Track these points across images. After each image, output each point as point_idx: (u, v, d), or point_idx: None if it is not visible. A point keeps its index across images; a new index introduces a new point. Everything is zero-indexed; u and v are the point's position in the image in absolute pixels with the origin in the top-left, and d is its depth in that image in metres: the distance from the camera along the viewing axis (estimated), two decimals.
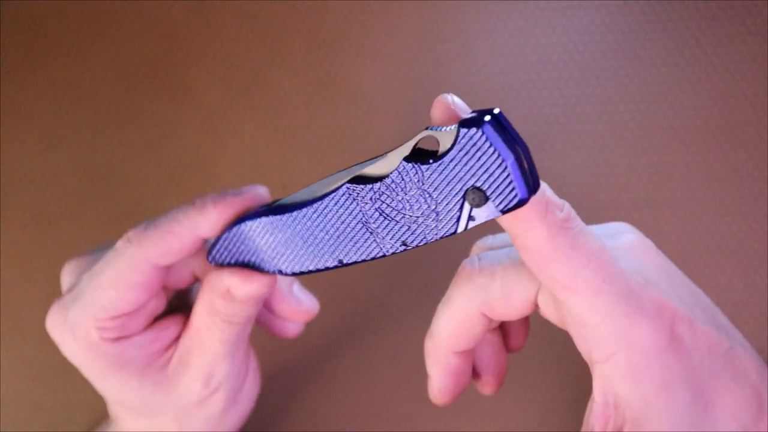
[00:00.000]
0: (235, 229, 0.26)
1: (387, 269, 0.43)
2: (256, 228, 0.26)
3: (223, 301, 0.26)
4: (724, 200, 0.42)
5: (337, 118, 0.44)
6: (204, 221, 0.26)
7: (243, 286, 0.26)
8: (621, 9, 0.43)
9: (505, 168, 0.20)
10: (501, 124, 0.20)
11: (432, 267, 0.43)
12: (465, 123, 0.20)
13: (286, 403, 0.44)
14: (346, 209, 0.23)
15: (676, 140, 0.42)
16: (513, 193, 0.20)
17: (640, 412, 0.21)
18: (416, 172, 0.21)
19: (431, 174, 0.21)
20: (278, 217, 0.25)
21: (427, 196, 0.22)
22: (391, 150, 0.22)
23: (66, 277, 0.29)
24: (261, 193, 0.28)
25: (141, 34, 0.45)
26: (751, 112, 0.42)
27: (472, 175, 0.20)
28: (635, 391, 0.21)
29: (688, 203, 0.42)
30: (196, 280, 0.30)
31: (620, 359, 0.21)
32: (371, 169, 0.23)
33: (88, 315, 0.26)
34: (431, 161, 0.21)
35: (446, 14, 0.43)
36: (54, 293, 0.45)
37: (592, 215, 0.43)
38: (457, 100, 0.22)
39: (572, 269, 0.21)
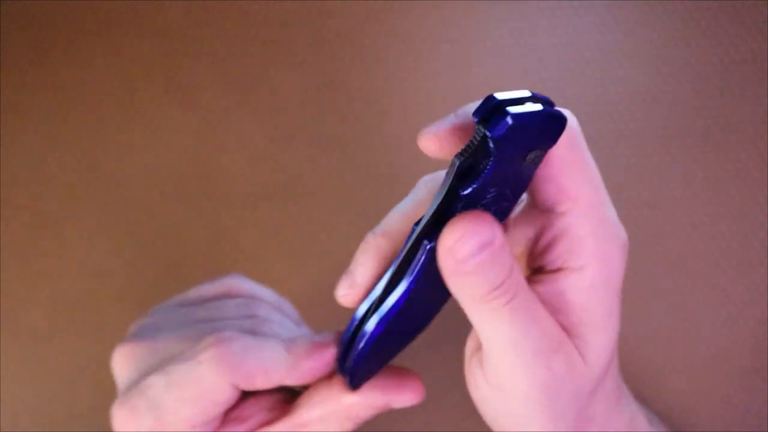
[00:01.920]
0: (365, 350, 0.25)
1: None
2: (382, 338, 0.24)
3: (372, 413, 0.27)
4: (724, 200, 0.42)
5: (337, 118, 0.44)
6: (294, 375, 0.26)
7: (405, 399, 0.26)
8: (621, 9, 0.43)
9: (543, 117, 0.20)
10: (516, 103, 0.20)
11: None
12: (485, 123, 0.20)
13: None
14: (435, 267, 0.23)
15: (676, 140, 0.42)
16: (558, 128, 0.20)
17: (583, 326, 0.23)
18: (472, 196, 0.21)
19: (483, 185, 0.21)
20: (391, 315, 0.24)
21: (495, 191, 0.22)
22: (435, 199, 0.21)
23: (123, 368, 0.27)
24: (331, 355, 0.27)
25: (141, 34, 0.45)
26: (751, 112, 0.42)
27: (524, 148, 0.20)
28: (591, 302, 0.23)
29: (688, 203, 0.42)
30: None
31: (593, 272, 0.23)
32: (429, 225, 0.22)
33: (166, 423, 0.25)
34: (475, 180, 0.21)
35: (446, 14, 0.43)
36: (54, 293, 0.45)
37: None
38: (438, 126, 0.22)
39: (580, 180, 0.23)
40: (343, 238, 0.44)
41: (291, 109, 0.44)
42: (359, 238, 0.43)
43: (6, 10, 0.45)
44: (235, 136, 0.44)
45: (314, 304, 0.44)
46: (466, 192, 0.21)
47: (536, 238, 0.24)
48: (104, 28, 0.45)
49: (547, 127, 0.20)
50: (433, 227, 0.22)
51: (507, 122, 0.19)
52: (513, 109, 0.20)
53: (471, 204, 0.21)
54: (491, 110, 0.20)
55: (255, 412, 0.27)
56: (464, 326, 0.43)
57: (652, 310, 0.42)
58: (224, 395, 0.25)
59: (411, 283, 0.23)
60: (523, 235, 0.25)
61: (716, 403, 0.42)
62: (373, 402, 0.26)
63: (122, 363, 0.27)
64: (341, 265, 0.43)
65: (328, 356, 0.26)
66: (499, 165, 0.20)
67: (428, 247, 0.22)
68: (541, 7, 0.43)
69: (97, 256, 0.45)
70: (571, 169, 0.23)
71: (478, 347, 0.25)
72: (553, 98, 0.43)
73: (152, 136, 0.45)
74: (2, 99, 0.45)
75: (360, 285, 0.25)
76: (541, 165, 0.23)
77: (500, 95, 0.21)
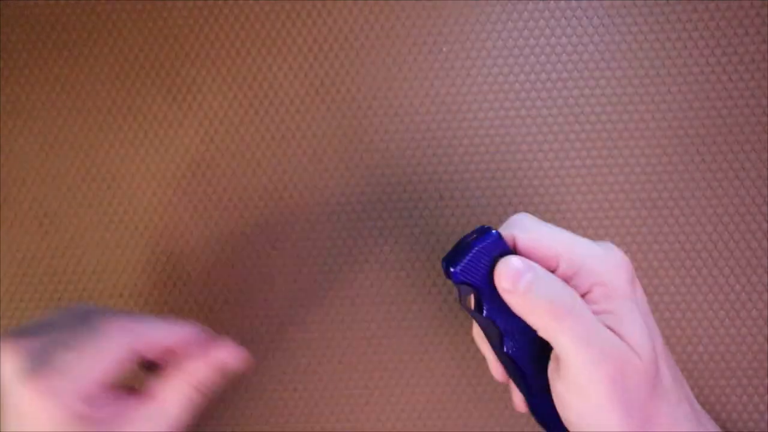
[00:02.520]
0: None
1: (389, 270, 0.43)
2: None
3: (214, 375, 0.34)
4: (723, 200, 0.42)
5: (337, 118, 0.44)
6: (170, 336, 0.34)
7: (239, 361, 0.34)
8: (621, 9, 0.43)
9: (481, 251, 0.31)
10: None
11: (432, 269, 0.43)
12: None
13: (287, 403, 0.44)
14: None
15: (676, 140, 0.42)
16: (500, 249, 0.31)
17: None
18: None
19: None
20: None
21: None
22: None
23: (9, 361, 0.31)
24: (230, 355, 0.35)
25: (141, 34, 0.45)
26: (751, 112, 0.42)
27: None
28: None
29: (687, 203, 0.42)
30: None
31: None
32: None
33: (79, 385, 0.31)
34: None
35: (446, 14, 0.43)
36: (54, 293, 0.45)
37: (592, 215, 0.43)
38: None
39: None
40: (343, 238, 0.44)
41: (291, 109, 0.44)
42: (359, 237, 0.43)
43: (6, 10, 0.45)
44: (235, 136, 0.44)
45: (314, 304, 0.44)
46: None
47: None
48: (104, 28, 0.45)
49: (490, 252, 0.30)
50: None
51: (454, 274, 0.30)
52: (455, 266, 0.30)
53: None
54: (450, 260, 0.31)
55: (119, 400, 0.33)
56: (469, 327, 0.43)
57: (653, 310, 0.42)
58: (127, 354, 0.32)
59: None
60: None
61: (716, 403, 0.42)
62: (206, 360, 0.33)
63: (9, 356, 0.31)
64: (341, 265, 0.43)
65: (187, 329, 0.34)
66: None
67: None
68: (541, 8, 0.43)
69: (97, 255, 0.45)
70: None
71: (556, 364, 0.30)
72: (552, 99, 0.43)
73: (152, 136, 0.45)
74: (2, 99, 0.45)
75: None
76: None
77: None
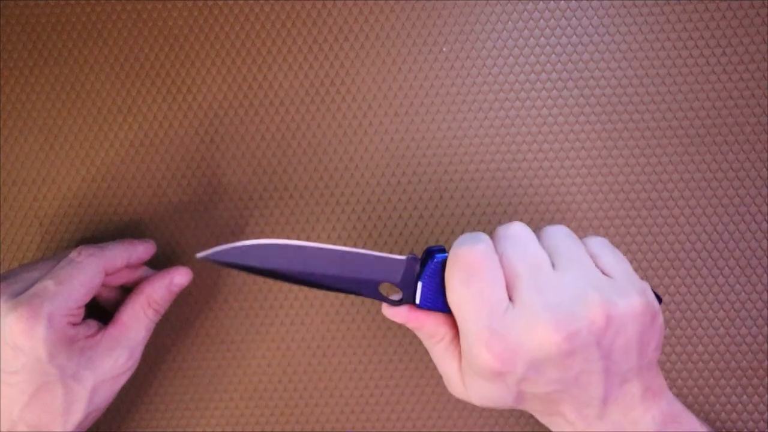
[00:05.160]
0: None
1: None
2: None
3: (165, 293, 0.39)
4: (723, 200, 0.42)
5: (337, 118, 0.44)
6: (134, 256, 0.40)
7: (186, 277, 0.40)
8: (621, 9, 0.43)
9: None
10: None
11: None
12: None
13: (287, 403, 0.44)
14: None
15: (676, 140, 0.42)
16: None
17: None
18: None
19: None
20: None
21: None
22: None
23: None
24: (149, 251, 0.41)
25: (141, 34, 0.45)
26: (751, 112, 0.42)
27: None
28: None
29: (687, 203, 0.42)
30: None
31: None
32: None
33: (64, 306, 0.35)
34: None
35: (446, 14, 0.43)
36: None
37: (592, 215, 0.43)
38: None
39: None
40: (343, 238, 0.44)
41: (290, 109, 0.44)
42: (358, 237, 0.43)
43: (6, 10, 0.45)
44: (235, 136, 0.44)
45: (314, 303, 0.44)
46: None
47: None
48: (104, 28, 0.45)
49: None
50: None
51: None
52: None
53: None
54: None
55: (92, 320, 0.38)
56: None
57: None
58: (100, 277, 0.37)
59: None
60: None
61: (716, 403, 0.42)
62: (162, 281, 0.39)
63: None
64: None
65: (147, 246, 0.41)
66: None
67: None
68: (541, 9, 0.43)
69: None
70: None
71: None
72: (552, 99, 0.43)
73: (152, 136, 0.45)
74: (2, 99, 0.45)
75: None
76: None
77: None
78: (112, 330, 0.38)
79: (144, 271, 0.41)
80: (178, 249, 0.44)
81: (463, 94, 0.43)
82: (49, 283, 0.35)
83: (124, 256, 0.39)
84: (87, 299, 0.36)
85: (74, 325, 0.36)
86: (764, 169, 0.42)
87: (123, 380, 0.38)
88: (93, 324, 0.38)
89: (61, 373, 0.35)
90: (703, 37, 0.42)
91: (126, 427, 0.44)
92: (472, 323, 0.29)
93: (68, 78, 0.45)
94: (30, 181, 0.45)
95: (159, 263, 0.44)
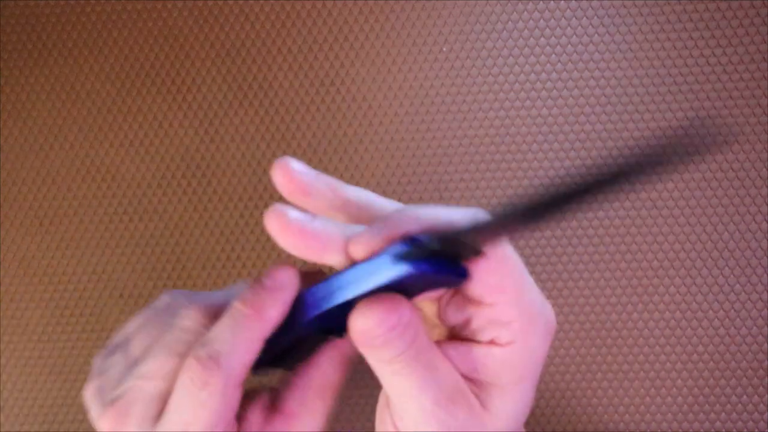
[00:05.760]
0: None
1: None
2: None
3: (341, 369, 0.28)
4: (723, 200, 0.42)
5: (337, 118, 0.44)
6: (268, 326, 0.26)
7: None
8: (621, 9, 0.43)
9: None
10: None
11: None
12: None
13: None
14: None
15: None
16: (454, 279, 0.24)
17: (492, 387, 0.25)
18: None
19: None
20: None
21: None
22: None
23: (88, 395, 0.27)
24: (293, 277, 0.27)
25: (140, 34, 0.45)
26: (751, 112, 0.42)
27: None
28: (504, 371, 0.25)
29: (687, 203, 0.42)
30: None
31: (513, 348, 0.25)
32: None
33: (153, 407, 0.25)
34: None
35: (446, 14, 0.43)
36: (54, 293, 0.45)
37: (592, 215, 0.43)
38: (295, 167, 0.25)
39: (506, 276, 0.24)
40: None
41: (291, 109, 0.44)
42: None
43: (6, 10, 0.45)
44: (235, 136, 0.44)
45: None
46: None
47: (465, 323, 0.26)
48: (104, 29, 0.45)
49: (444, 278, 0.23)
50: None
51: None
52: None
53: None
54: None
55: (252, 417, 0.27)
56: None
57: (652, 310, 0.42)
58: (233, 399, 0.25)
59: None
60: (453, 319, 0.26)
61: (716, 403, 0.42)
62: (331, 359, 0.28)
63: (87, 398, 0.27)
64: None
65: (285, 296, 0.26)
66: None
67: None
68: (541, 9, 0.43)
69: (97, 255, 0.45)
70: (497, 272, 0.24)
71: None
72: (552, 99, 0.43)
73: (152, 136, 0.45)
74: (2, 99, 0.45)
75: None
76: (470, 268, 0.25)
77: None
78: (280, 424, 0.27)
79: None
80: (177, 249, 0.44)
81: (463, 94, 0.43)
82: (177, 429, 0.25)
83: (253, 344, 0.25)
84: (229, 426, 0.26)
85: None
86: (764, 169, 0.42)
87: None
88: (256, 413, 0.27)
89: None
90: (703, 37, 0.42)
91: None
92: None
93: (68, 78, 0.45)
94: (30, 181, 0.45)
95: (159, 263, 0.44)
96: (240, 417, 0.27)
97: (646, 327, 0.42)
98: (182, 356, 0.26)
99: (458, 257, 0.24)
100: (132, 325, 0.28)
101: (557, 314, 0.42)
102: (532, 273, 0.43)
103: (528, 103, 0.43)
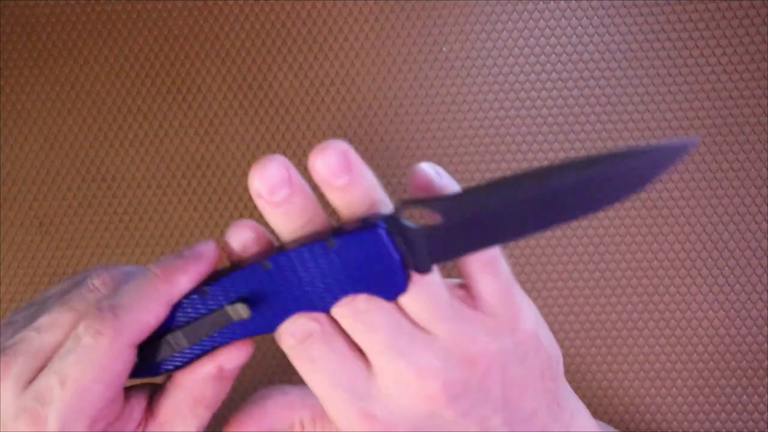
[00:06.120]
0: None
1: None
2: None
3: (213, 383, 0.27)
4: (723, 200, 0.42)
5: (337, 118, 0.44)
6: (176, 291, 0.26)
7: (240, 355, 0.27)
8: (621, 9, 0.43)
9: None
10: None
11: None
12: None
13: None
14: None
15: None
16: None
17: None
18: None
19: None
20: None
21: None
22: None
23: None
24: (212, 250, 0.27)
25: (141, 34, 0.45)
26: (751, 112, 0.42)
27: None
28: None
29: (687, 203, 0.42)
30: None
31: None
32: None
33: (80, 417, 0.24)
34: None
35: (446, 14, 0.43)
36: None
37: (592, 215, 0.43)
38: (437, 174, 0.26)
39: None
40: None
41: (291, 109, 0.44)
42: None
43: (6, 10, 0.45)
44: (235, 136, 0.44)
45: None
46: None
47: None
48: (104, 28, 0.45)
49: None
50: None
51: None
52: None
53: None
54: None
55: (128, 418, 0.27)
56: None
57: (652, 310, 0.42)
58: (124, 361, 0.25)
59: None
60: None
61: (716, 403, 0.42)
62: (203, 369, 0.26)
63: None
64: None
65: (202, 263, 0.26)
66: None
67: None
68: (541, 9, 0.43)
69: (97, 255, 0.45)
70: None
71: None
72: (552, 99, 0.43)
73: (152, 136, 0.45)
74: (2, 99, 0.45)
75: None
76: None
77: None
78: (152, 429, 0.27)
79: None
80: (177, 249, 0.44)
81: (463, 94, 0.43)
82: (53, 382, 0.24)
83: (157, 305, 0.25)
84: (113, 392, 0.25)
85: (111, 424, 0.26)
86: (764, 169, 0.42)
87: None
88: (137, 410, 0.27)
89: None
90: (703, 37, 0.42)
91: None
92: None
93: (68, 78, 0.45)
94: (30, 181, 0.45)
95: None
96: (127, 399, 0.27)
97: (646, 327, 0.42)
98: (81, 312, 0.25)
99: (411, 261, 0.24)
100: (53, 289, 0.28)
101: (557, 314, 0.42)
102: (532, 273, 0.43)
103: (528, 103, 0.43)
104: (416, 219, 0.25)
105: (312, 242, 0.24)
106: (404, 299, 0.25)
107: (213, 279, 0.25)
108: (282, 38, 0.44)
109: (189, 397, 0.27)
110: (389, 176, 0.43)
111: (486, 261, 0.26)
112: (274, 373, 0.44)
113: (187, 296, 0.25)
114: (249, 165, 0.44)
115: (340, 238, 0.24)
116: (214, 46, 0.44)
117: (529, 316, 0.28)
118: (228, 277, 0.25)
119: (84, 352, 0.24)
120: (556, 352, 0.30)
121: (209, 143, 0.44)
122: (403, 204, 0.24)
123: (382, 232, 0.23)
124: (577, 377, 0.42)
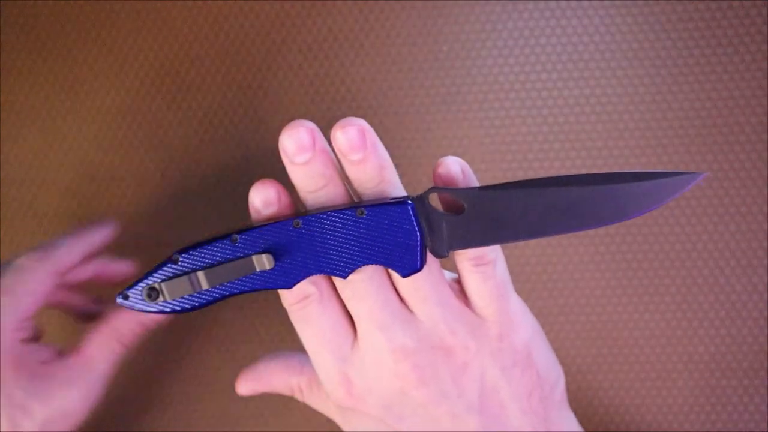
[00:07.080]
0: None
1: None
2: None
3: (137, 328, 0.34)
4: (723, 200, 0.42)
5: (337, 118, 0.44)
6: (85, 246, 0.36)
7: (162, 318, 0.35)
8: (621, 9, 0.43)
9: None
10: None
11: None
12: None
13: (286, 404, 0.44)
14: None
15: (677, 140, 0.42)
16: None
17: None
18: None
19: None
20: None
21: None
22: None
23: None
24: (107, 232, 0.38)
25: (141, 34, 0.45)
26: (751, 112, 0.42)
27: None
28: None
29: (688, 203, 0.42)
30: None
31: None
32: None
33: (10, 319, 0.31)
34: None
35: (446, 14, 0.43)
36: None
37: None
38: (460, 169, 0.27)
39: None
40: None
41: (291, 109, 0.44)
42: None
43: (6, 10, 0.45)
44: (235, 136, 0.44)
45: None
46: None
47: None
48: (104, 28, 0.45)
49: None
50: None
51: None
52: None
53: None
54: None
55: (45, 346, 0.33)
56: None
57: (653, 310, 0.42)
58: (50, 282, 0.32)
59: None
60: None
61: (716, 403, 0.42)
62: (132, 315, 0.34)
63: None
64: None
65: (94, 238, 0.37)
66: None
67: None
68: (541, 8, 0.43)
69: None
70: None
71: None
72: (552, 99, 0.43)
73: (151, 136, 0.45)
74: (2, 99, 0.45)
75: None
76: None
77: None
78: (73, 360, 0.33)
79: (106, 262, 0.38)
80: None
81: (463, 93, 0.43)
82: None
83: (78, 249, 0.35)
84: (36, 308, 0.32)
85: (25, 341, 0.32)
86: (764, 169, 0.42)
87: (77, 421, 0.32)
88: (49, 349, 0.33)
89: (7, 401, 0.30)
90: (703, 37, 0.42)
91: (123, 426, 0.44)
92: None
93: (68, 78, 0.45)
94: (30, 181, 0.45)
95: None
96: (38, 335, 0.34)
97: (646, 327, 0.42)
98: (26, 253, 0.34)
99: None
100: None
101: (557, 314, 0.42)
102: (532, 273, 0.43)
103: (528, 102, 0.43)
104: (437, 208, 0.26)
105: (343, 209, 0.26)
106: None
107: (245, 230, 0.27)
108: (282, 38, 0.44)
109: (113, 335, 0.34)
110: None
111: (477, 260, 0.27)
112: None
113: (216, 241, 0.27)
114: (249, 165, 0.44)
115: (370, 209, 0.25)
116: (214, 46, 0.44)
117: (524, 331, 0.29)
118: (259, 230, 0.27)
119: (22, 271, 0.32)
120: (552, 377, 0.30)
121: (209, 143, 0.44)
122: (431, 190, 0.26)
123: (410, 209, 0.25)
124: (577, 377, 0.42)
